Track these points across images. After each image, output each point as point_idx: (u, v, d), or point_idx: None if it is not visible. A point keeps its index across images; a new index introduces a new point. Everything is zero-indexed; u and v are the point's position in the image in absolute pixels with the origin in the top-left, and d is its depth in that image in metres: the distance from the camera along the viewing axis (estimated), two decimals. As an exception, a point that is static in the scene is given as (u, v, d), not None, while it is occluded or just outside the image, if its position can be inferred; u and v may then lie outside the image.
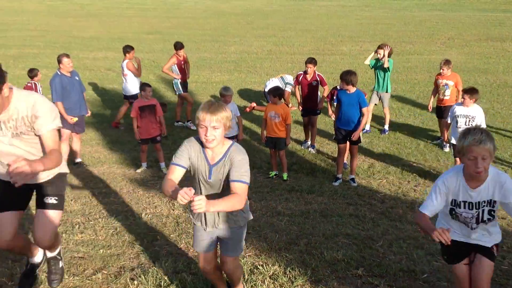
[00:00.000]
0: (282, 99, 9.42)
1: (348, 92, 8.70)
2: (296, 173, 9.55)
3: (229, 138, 9.20)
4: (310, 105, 10.65)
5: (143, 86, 9.71)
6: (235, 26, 29.38)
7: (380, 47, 11.33)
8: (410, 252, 6.27)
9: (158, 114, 9.68)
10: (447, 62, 10.57)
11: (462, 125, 8.52)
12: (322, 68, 18.42)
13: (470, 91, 8.56)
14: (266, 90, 13.41)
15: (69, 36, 25.52)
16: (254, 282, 5.49)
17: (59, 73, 9.48)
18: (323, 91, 10.68)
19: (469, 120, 8.47)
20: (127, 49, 12.01)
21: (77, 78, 9.75)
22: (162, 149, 9.91)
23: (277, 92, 9.23)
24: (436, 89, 10.80)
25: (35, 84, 11.45)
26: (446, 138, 9.81)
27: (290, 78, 13.24)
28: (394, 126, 12.05)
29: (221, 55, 20.99)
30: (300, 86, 10.72)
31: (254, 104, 13.53)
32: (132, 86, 12.08)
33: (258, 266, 5.84)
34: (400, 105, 13.88)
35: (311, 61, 10.61)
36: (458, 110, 8.58)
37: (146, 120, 9.56)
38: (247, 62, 19.26)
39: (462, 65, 18.20)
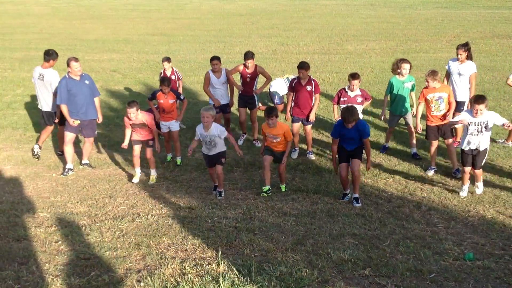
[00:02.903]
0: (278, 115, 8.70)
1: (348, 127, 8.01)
2: (302, 173, 9.52)
3: (217, 154, 8.52)
4: (304, 112, 10.03)
5: (128, 104, 9.09)
6: (240, 27, 29.37)
7: (404, 61, 10.10)
8: (417, 252, 6.24)
9: (152, 129, 9.26)
10: (432, 73, 9.01)
11: (474, 132, 7.95)
12: (328, 68, 18.39)
13: (479, 101, 7.74)
14: (272, 90, 13.35)
15: (74, 38, 25.57)
16: (260, 283, 5.47)
17: (67, 77, 9.49)
18: (315, 100, 10.06)
19: (481, 128, 7.88)
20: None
21: (86, 82, 9.66)
22: (154, 157, 9.51)
23: (273, 113, 8.43)
24: (424, 106, 9.27)
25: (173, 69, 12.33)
26: (434, 163, 9.36)
27: None
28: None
29: (226, 56, 20.96)
30: (294, 92, 10.07)
31: (259, 105, 13.50)
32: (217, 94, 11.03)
33: (265, 267, 5.82)
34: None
35: (303, 65, 9.84)
36: (469, 118, 7.90)
37: (138, 135, 9.32)
38: (252, 62, 19.22)
39: (468, 63, 18.08)
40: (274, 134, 8.50)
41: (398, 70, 10.10)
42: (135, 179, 9.28)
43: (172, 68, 12.26)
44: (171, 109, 9.95)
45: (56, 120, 10.11)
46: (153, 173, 9.38)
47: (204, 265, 5.92)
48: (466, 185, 8.35)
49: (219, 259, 6.03)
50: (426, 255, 6.16)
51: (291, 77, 12.72)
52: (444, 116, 9.10)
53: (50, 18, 34.13)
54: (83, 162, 9.96)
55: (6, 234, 6.95)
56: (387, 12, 35.11)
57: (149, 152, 9.35)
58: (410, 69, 10.11)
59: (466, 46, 10.15)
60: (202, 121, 8.25)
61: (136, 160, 9.34)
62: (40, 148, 10.47)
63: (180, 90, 12.14)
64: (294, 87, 10.07)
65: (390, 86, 10.19)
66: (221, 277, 5.55)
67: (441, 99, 9.05)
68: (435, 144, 9.24)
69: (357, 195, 8.15)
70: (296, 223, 7.18)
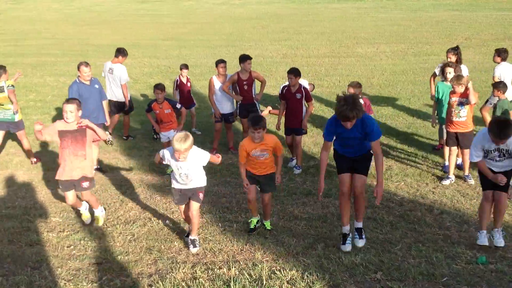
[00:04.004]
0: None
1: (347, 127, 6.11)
2: (313, 176, 9.49)
3: (193, 189, 6.49)
4: (294, 122, 9.50)
5: (66, 100, 7.23)
6: (250, 31, 29.44)
7: (449, 65, 9.43)
8: (430, 256, 6.21)
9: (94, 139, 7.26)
10: (456, 78, 8.59)
11: (495, 157, 6.42)
12: (338, 71, 18.37)
13: (505, 134, 6.10)
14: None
15: (85, 44, 25.76)
16: (272, 287, 5.47)
17: (77, 81, 9.60)
18: (307, 108, 9.63)
19: (505, 152, 6.34)
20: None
21: (96, 87, 9.79)
22: (93, 195, 7.55)
23: (260, 124, 6.64)
24: (449, 109, 8.78)
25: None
26: (452, 172, 8.86)
27: (305, 83, 12.67)
28: (412, 128, 11.95)
29: (237, 60, 21.00)
30: (285, 101, 9.62)
31: (270, 108, 13.51)
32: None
33: (276, 271, 5.82)
34: (418, 106, 13.77)
35: (292, 71, 9.44)
36: (489, 143, 6.36)
37: (69, 152, 7.02)
38: (262, 66, 19.26)
39: (479, 65, 18.00)
40: (261, 149, 6.81)
41: (444, 75, 9.45)
42: (86, 220, 7.47)
43: (187, 76, 12.28)
44: (168, 119, 9.70)
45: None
46: (99, 213, 7.47)
47: (215, 270, 5.93)
48: (485, 227, 6.59)
49: (230, 263, 6.03)
50: (438, 258, 6.13)
51: (303, 80, 12.53)
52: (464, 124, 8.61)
53: (62, 24, 34.40)
54: (94, 167, 9.99)
55: (19, 239, 7.01)
56: (398, 15, 35.01)
57: (86, 194, 7.28)
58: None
59: (456, 50, 10.15)
60: (175, 155, 6.25)
61: (78, 203, 7.39)
62: (110, 134, 11.51)
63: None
64: (285, 94, 9.63)
65: (437, 92, 9.51)
66: (232, 282, 5.56)
67: (462, 105, 8.56)
68: (453, 150, 8.87)
69: (360, 225, 6.56)
70: (307, 227, 7.17)
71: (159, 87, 9.75)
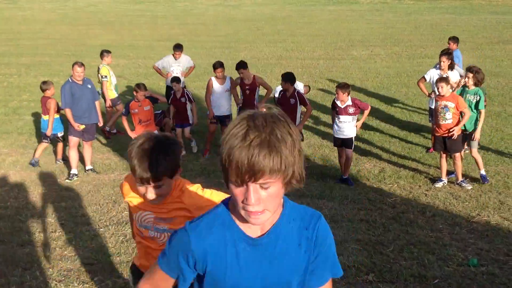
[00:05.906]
0: None
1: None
2: (306, 178, 9.47)
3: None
4: None
5: None
6: (245, 32, 29.44)
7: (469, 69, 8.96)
8: (421, 258, 6.22)
9: None
10: (439, 80, 8.65)
11: None
12: (333, 73, 18.39)
13: None
14: (276, 95, 13.31)
15: (80, 44, 25.69)
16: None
17: (70, 81, 9.63)
18: (305, 112, 9.66)
19: None
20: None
21: (89, 86, 9.83)
22: None
23: (159, 170, 3.10)
24: (436, 112, 8.78)
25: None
26: (445, 174, 8.79)
27: (301, 85, 12.58)
28: (406, 130, 11.98)
29: (232, 61, 20.91)
30: (280, 106, 9.58)
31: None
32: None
33: (268, 273, 5.80)
34: (412, 109, 13.81)
35: (283, 77, 9.46)
36: None
37: None
38: (257, 68, 19.26)
39: (473, 68, 18.05)
40: (164, 220, 3.31)
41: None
42: None
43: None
44: (148, 117, 9.33)
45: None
46: None
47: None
48: None
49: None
50: (430, 260, 6.14)
51: (297, 83, 12.44)
52: (450, 129, 8.51)
53: (57, 24, 34.30)
54: (87, 168, 9.98)
55: (10, 240, 6.98)
56: (393, 18, 35.10)
57: None
58: (475, 79, 8.82)
59: (450, 55, 10.11)
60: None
61: None
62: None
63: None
64: (280, 99, 9.55)
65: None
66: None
67: (446, 108, 8.47)
68: (443, 154, 8.80)
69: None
70: (300, 228, 7.16)
71: (141, 87, 9.42)
